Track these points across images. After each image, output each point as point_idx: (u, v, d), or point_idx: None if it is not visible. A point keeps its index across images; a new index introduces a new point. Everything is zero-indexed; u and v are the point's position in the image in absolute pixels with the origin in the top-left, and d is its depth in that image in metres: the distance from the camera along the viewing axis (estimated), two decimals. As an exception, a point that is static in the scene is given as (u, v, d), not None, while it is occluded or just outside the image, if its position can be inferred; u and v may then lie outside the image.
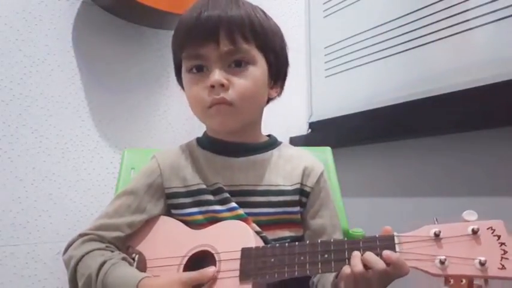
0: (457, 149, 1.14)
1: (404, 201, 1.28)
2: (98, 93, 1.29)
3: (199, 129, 0.83)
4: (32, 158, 1.17)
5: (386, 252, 0.54)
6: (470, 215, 0.54)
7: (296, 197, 0.75)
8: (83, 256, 0.67)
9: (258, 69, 0.72)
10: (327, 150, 1.04)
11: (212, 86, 0.69)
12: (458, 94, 1.15)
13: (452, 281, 0.69)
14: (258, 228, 0.71)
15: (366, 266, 0.55)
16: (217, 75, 0.69)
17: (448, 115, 1.14)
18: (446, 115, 1.14)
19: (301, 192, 0.76)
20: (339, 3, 1.59)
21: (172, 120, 1.40)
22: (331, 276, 0.66)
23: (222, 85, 0.69)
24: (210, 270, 0.62)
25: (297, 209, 0.75)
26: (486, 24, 1.12)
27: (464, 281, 0.70)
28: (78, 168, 1.24)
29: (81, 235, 0.71)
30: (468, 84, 1.13)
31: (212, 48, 0.69)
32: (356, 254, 0.56)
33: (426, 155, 1.23)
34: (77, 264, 0.67)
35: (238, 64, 0.71)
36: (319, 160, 0.82)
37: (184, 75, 0.75)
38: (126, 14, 1.27)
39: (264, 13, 0.77)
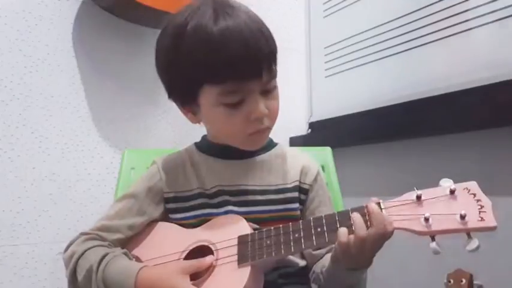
0: (457, 149, 1.14)
1: (404, 201, 1.27)
2: (98, 93, 1.29)
3: (198, 129, 0.83)
4: (32, 158, 1.18)
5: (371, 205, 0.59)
6: (446, 181, 0.58)
7: (295, 194, 0.77)
8: (84, 251, 0.68)
9: (276, 86, 0.74)
10: (327, 150, 1.04)
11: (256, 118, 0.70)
12: (458, 94, 1.15)
13: (452, 281, 0.69)
14: (256, 226, 0.71)
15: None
16: (261, 107, 0.69)
17: (448, 115, 1.14)
18: (446, 115, 1.14)
19: (300, 189, 0.77)
20: (339, 3, 1.58)
21: (172, 120, 1.40)
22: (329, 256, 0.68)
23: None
24: (208, 258, 0.64)
25: (297, 205, 0.76)
26: (486, 24, 1.12)
27: (464, 280, 0.70)
28: (78, 168, 1.24)
29: (82, 234, 0.72)
30: (468, 84, 1.13)
31: (256, 82, 0.68)
32: (357, 216, 0.59)
33: (426, 155, 1.23)
34: (78, 258, 0.68)
35: (271, 89, 0.72)
36: (319, 160, 0.84)
37: (214, 107, 0.70)
38: (126, 14, 1.27)
39: (256, 14, 0.75)
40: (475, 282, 0.71)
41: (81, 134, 1.25)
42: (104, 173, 1.27)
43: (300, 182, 0.77)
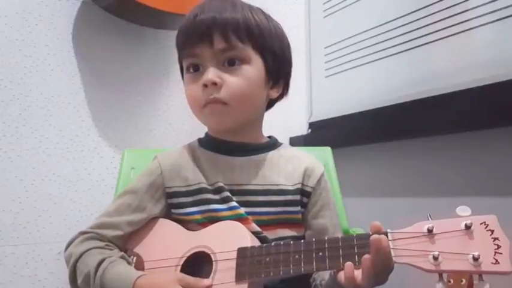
0: (457, 149, 1.14)
1: (404, 201, 1.28)
2: (97, 93, 1.29)
3: (199, 129, 0.83)
4: (32, 158, 1.18)
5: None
6: (463, 210, 0.53)
7: (297, 197, 0.76)
8: (82, 254, 0.68)
9: (253, 69, 0.73)
10: (327, 150, 1.04)
11: (205, 85, 0.70)
12: (458, 94, 1.15)
13: (452, 281, 0.69)
14: (257, 228, 0.71)
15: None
16: (210, 74, 0.70)
17: (448, 115, 1.14)
18: (446, 115, 1.14)
19: (302, 192, 0.76)
20: (339, 3, 1.58)
21: (172, 120, 1.40)
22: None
23: (215, 84, 0.70)
24: (205, 280, 0.62)
25: (298, 208, 0.76)
26: (486, 24, 1.12)
27: (464, 281, 0.70)
28: (78, 168, 1.24)
29: (81, 233, 0.72)
30: (468, 84, 1.13)
31: (206, 47, 0.71)
32: (366, 258, 0.54)
33: (426, 155, 1.23)
34: (76, 261, 0.68)
35: (231, 63, 0.71)
36: (319, 160, 0.83)
37: (185, 76, 0.77)
38: (126, 14, 1.27)
39: (265, 15, 0.77)
40: (475, 282, 0.71)
41: (81, 134, 1.25)
42: (104, 173, 1.27)
43: (302, 184, 0.76)
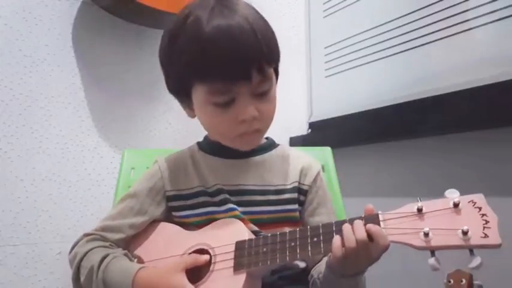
0: (456, 149, 1.14)
1: (404, 201, 1.27)
2: (97, 93, 1.29)
3: (199, 129, 0.83)
4: (32, 158, 1.18)
5: (369, 225, 0.57)
6: (452, 193, 0.55)
7: (294, 195, 0.77)
8: (87, 252, 0.69)
9: (274, 87, 0.73)
10: (327, 150, 1.04)
11: (244, 120, 0.69)
12: (458, 94, 1.15)
13: (452, 281, 0.69)
14: (255, 228, 0.72)
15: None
16: (250, 110, 0.68)
17: (448, 115, 1.14)
18: (446, 115, 1.14)
19: (299, 190, 0.77)
20: (339, 3, 1.59)
21: (172, 120, 1.40)
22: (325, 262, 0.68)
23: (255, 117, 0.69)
24: (204, 256, 0.65)
25: (296, 206, 0.76)
26: (486, 24, 1.12)
27: (464, 281, 0.70)
28: (78, 168, 1.24)
29: (85, 235, 0.74)
30: (468, 84, 1.13)
31: (244, 83, 0.67)
32: (347, 227, 0.58)
33: (426, 155, 1.23)
34: (81, 260, 0.69)
35: (264, 92, 0.70)
36: (319, 160, 0.84)
37: (204, 105, 0.71)
38: (126, 14, 1.27)
39: (259, 15, 0.74)
40: (475, 282, 0.71)
41: (81, 134, 1.25)
42: (104, 173, 1.27)
43: (299, 183, 0.77)
